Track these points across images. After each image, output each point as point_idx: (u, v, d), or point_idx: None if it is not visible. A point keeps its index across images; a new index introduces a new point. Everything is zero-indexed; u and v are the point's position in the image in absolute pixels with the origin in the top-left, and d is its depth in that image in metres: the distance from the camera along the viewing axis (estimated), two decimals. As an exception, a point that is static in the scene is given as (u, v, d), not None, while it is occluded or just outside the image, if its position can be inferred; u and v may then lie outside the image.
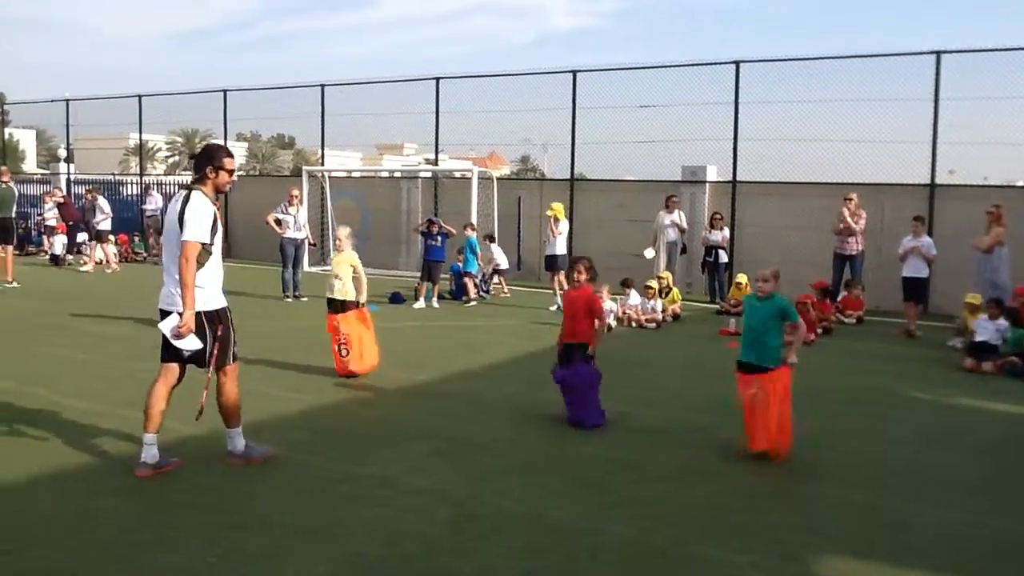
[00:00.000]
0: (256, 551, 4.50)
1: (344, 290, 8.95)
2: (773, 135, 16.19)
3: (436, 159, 21.79)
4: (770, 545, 4.72)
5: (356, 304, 8.92)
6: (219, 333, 5.60)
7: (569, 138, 18.54)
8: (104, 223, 20.20)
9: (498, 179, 19.63)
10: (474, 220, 16.90)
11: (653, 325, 12.69)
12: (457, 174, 20.69)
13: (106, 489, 5.39)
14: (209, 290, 5.60)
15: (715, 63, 17.00)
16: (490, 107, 19.65)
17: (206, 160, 5.69)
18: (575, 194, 18.47)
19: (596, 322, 7.18)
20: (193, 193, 5.60)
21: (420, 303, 14.55)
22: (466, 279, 15.19)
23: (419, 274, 15.43)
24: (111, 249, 20.37)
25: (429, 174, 21.60)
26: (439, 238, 14.82)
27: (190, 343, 5.51)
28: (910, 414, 7.92)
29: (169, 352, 5.64)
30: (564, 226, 14.88)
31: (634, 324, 12.72)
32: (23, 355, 9.60)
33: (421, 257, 15.41)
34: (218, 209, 5.74)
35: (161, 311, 5.60)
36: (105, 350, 9.96)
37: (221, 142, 25.64)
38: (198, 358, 5.62)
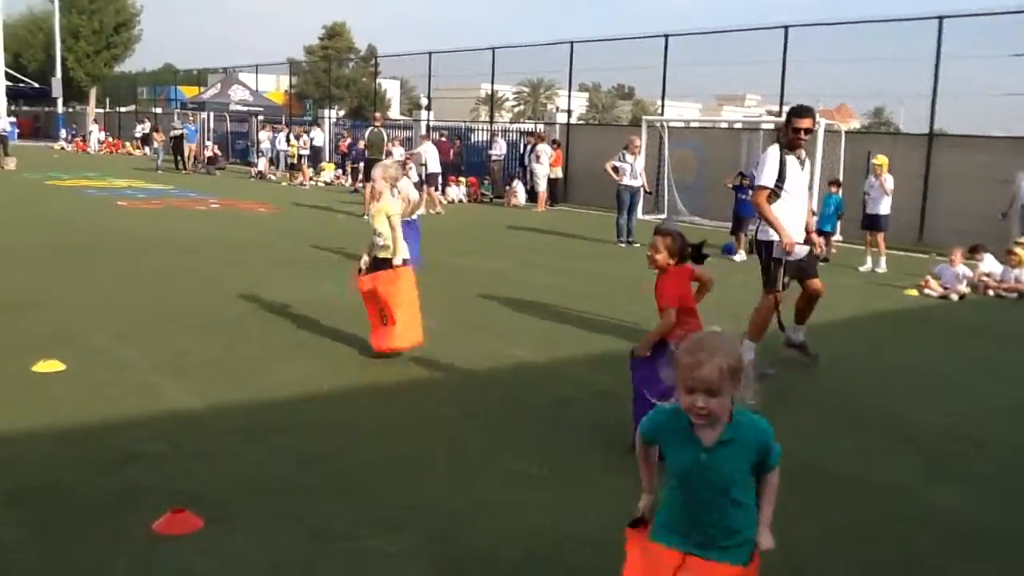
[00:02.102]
0: (576, 473, 4.78)
1: (389, 247, 6.95)
2: None
3: (780, 111, 21.00)
4: None
5: (392, 264, 6.93)
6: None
7: (929, 90, 17.08)
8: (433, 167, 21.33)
9: (846, 133, 18.57)
10: (817, 176, 16.17)
11: (1014, 295, 11.48)
12: (803, 127, 19.79)
13: (446, 400, 5.97)
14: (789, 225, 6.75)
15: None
16: (841, 56, 18.58)
17: (785, 119, 6.90)
18: (932, 151, 17.03)
19: (664, 316, 4.94)
20: (770, 147, 6.89)
21: (738, 255, 14.28)
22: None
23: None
24: (436, 193, 21.64)
25: (771, 126, 20.91)
26: (750, 192, 14.38)
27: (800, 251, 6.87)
28: None
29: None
30: (890, 182, 13.74)
31: (991, 292, 11.59)
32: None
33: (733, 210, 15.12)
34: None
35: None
36: (462, 281, 10.83)
37: (564, 92, 26.61)
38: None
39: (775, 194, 6.84)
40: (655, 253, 5.04)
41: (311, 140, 30.19)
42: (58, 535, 3.75)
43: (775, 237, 6.85)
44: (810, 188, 7.07)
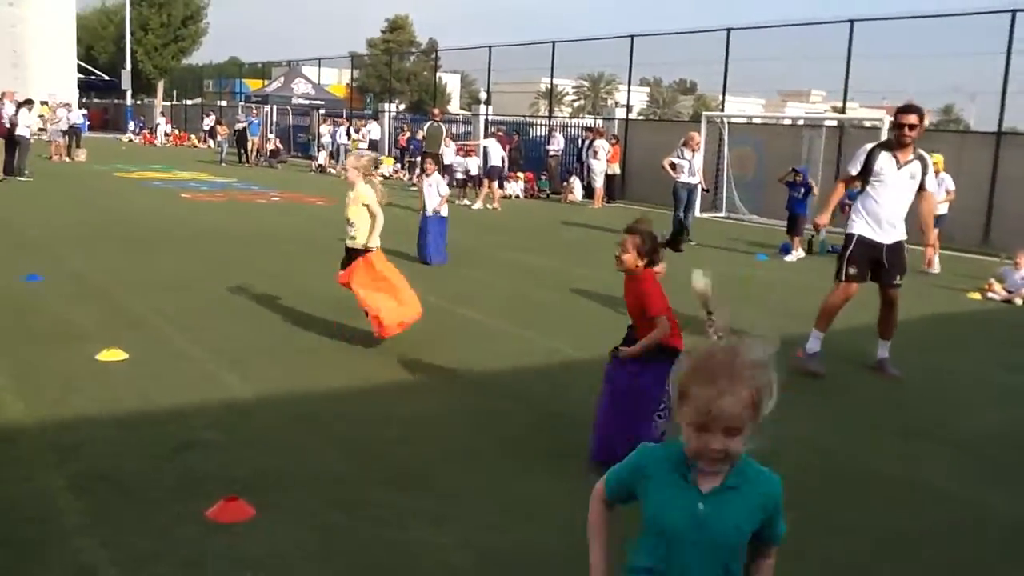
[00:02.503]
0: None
1: (360, 237, 7.05)
2: None
3: (844, 107, 20.68)
4: None
5: (366, 251, 7.02)
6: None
7: (999, 86, 16.64)
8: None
9: (911, 130, 18.17)
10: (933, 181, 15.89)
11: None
12: (867, 124, 19.46)
13: (498, 394, 6.02)
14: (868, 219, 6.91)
15: None
16: (910, 51, 18.20)
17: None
18: (1000, 150, 16.59)
19: (659, 326, 4.61)
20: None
21: (791, 255, 14.03)
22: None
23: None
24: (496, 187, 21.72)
25: (834, 123, 20.57)
26: (802, 190, 14.20)
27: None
28: None
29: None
30: (948, 182, 13.29)
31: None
32: (449, 277, 10.81)
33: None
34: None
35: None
36: (512, 276, 10.88)
37: (624, 87, 26.47)
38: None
39: (862, 186, 7.02)
40: (623, 253, 4.63)
41: (368, 133, 30.49)
42: (117, 520, 3.88)
43: (852, 229, 7.03)
44: (922, 190, 6.94)
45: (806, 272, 12.52)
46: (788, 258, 13.88)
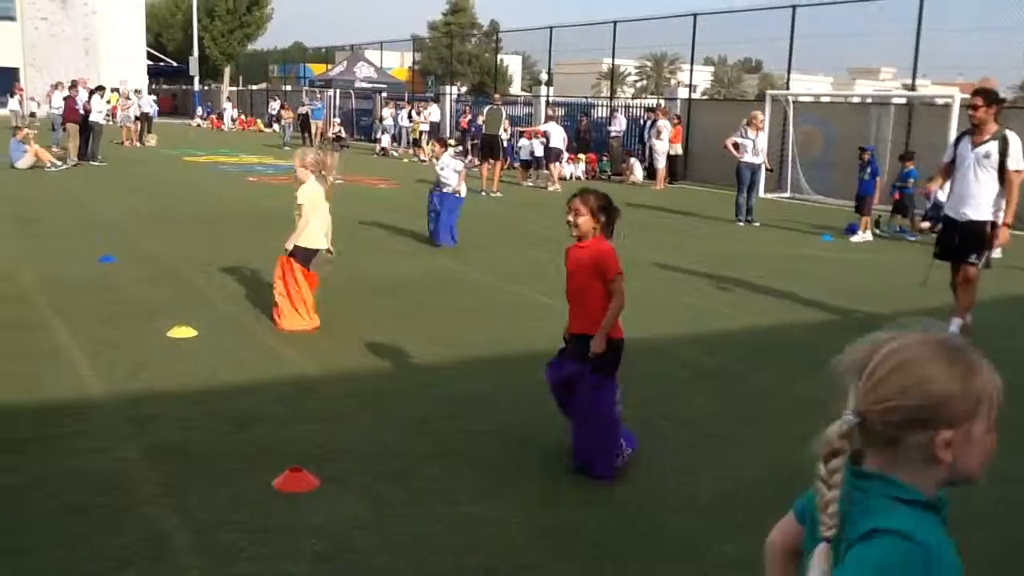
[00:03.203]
0: (682, 447, 4.83)
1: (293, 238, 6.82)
2: None
3: (913, 84, 20.18)
4: None
5: (289, 252, 6.81)
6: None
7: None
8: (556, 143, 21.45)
9: (983, 107, 17.64)
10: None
11: None
12: (939, 101, 18.97)
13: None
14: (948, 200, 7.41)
15: None
16: (987, 24, 17.66)
17: None
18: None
19: (612, 297, 4.29)
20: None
21: (857, 236, 13.77)
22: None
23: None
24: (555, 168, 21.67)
25: (903, 100, 20.08)
26: (867, 170, 13.89)
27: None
28: None
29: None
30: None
31: None
32: (505, 256, 10.88)
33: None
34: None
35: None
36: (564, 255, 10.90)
37: (688, 66, 26.19)
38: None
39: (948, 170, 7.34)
40: (577, 216, 4.32)
41: (428, 116, 30.64)
42: (189, 490, 4.05)
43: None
44: (1002, 169, 6.94)
45: (871, 252, 12.32)
46: (854, 239, 13.65)
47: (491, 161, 19.16)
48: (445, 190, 11.17)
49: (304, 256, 6.84)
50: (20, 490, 3.99)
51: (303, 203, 6.79)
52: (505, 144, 19.55)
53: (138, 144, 28.47)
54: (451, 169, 11.27)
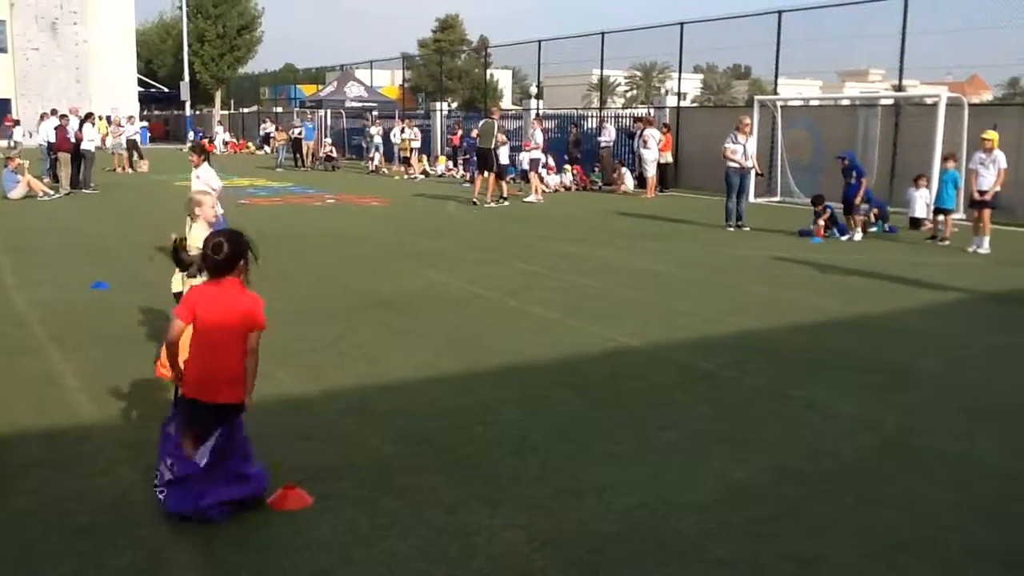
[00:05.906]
0: (678, 452, 4.85)
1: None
2: None
3: (900, 84, 20.28)
4: None
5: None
6: None
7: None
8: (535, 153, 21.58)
9: (972, 105, 17.76)
10: (938, 152, 15.67)
11: None
12: (928, 100, 19.07)
13: (553, 383, 6.11)
14: None
15: None
16: (972, 24, 17.77)
17: None
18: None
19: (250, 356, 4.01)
20: None
21: (847, 236, 13.90)
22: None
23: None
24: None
25: (890, 101, 20.18)
26: (853, 173, 14.08)
27: None
28: None
29: None
30: (1002, 159, 12.86)
31: None
32: (499, 269, 10.93)
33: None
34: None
35: None
36: (566, 267, 10.96)
37: (676, 74, 26.30)
38: None
39: None
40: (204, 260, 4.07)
41: (418, 133, 30.55)
42: (184, 508, 4.05)
43: None
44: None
45: (862, 253, 12.37)
46: (844, 238, 13.76)
47: (485, 174, 19.24)
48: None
49: None
50: (32, 512, 4.04)
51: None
52: (503, 160, 19.61)
53: (129, 170, 28.52)
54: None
